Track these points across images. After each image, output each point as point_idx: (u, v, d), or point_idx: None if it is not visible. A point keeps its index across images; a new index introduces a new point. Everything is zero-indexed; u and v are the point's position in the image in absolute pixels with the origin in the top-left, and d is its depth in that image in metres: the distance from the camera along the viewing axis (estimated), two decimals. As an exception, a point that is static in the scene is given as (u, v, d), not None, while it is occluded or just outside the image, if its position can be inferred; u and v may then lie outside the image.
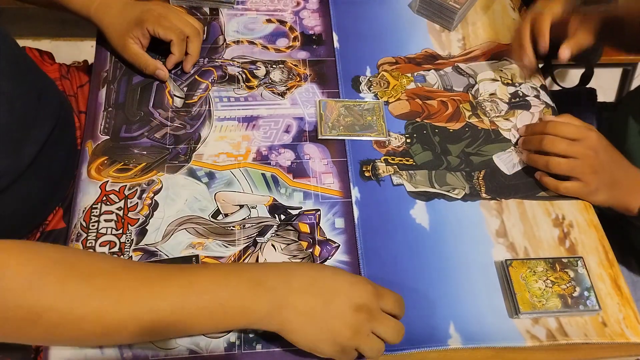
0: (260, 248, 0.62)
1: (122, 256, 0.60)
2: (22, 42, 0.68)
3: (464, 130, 0.74)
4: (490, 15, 0.88)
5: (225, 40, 0.81)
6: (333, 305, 0.50)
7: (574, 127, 0.66)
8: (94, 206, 0.64)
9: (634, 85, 1.40)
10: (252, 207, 0.65)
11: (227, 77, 0.77)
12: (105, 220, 0.63)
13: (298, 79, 0.78)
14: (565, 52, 0.70)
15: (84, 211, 0.63)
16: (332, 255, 0.62)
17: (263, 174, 0.68)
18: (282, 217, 0.65)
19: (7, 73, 0.61)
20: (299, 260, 0.62)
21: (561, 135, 0.66)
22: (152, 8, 0.72)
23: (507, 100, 0.78)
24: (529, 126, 0.73)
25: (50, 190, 0.55)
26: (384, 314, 0.52)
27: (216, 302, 0.49)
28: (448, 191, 0.68)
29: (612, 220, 0.70)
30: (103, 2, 0.74)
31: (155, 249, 0.61)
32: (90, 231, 0.62)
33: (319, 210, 0.66)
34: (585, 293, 0.59)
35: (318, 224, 0.64)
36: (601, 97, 0.99)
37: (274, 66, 0.79)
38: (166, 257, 0.61)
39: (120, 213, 0.63)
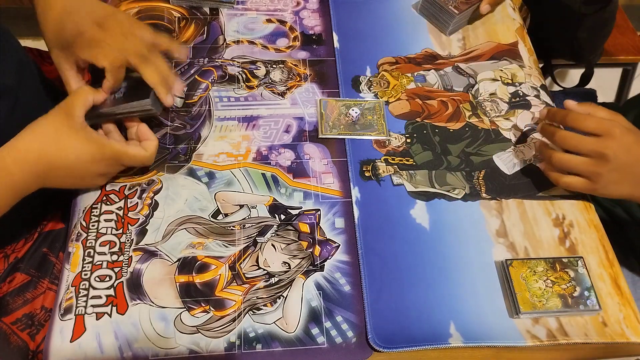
0: (260, 248, 0.62)
1: (121, 256, 0.60)
2: (22, 42, 0.68)
3: (464, 130, 0.74)
4: (490, 15, 0.88)
5: (225, 40, 0.81)
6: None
7: (595, 121, 0.60)
8: (94, 206, 0.64)
9: (634, 85, 1.40)
10: (252, 207, 0.65)
11: (227, 77, 0.77)
12: (105, 220, 0.63)
13: (298, 79, 0.78)
14: (484, 7, 0.78)
15: (84, 211, 0.63)
16: (332, 255, 0.62)
17: (263, 174, 0.68)
18: (282, 217, 0.65)
19: (11, 71, 0.61)
20: (299, 260, 0.62)
21: (581, 128, 0.61)
22: (84, 31, 0.59)
23: (507, 100, 0.78)
24: (550, 111, 0.67)
25: (49, 191, 0.55)
26: None
27: None
28: (448, 191, 0.68)
29: (612, 220, 0.70)
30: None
31: (155, 249, 0.61)
32: (90, 231, 0.62)
33: (319, 210, 0.66)
34: (586, 293, 0.59)
35: (318, 223, 0.64)
36: (601, 97, 0.99)
37: (274, 66, 0.79)
38: (167, 257, 0.61)
39: (120, 213, 0.63)
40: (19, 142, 0.54)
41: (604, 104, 0.96)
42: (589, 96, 0.95)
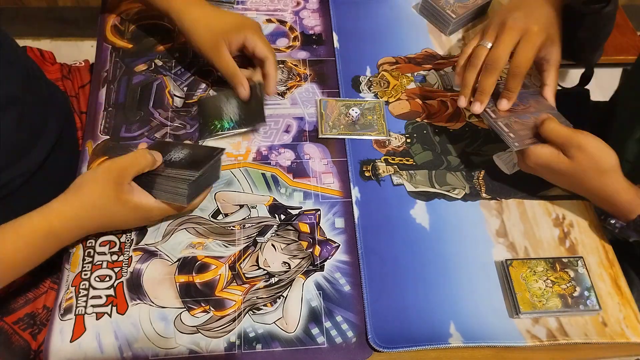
0: (260, 248, 0.62)
1: (121, 256, 0.60)
2: (22, 42, 0.68)
3: (464, 130, 0.74)
4: (490, 15, 0.88)
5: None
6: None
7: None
8: (94, 206, 0.64)
9: (634, 85, 1.40)
10: (252, 207, 0.65)
11: (227, 77, 0.77)
12: (105, 220, 0.63)
13: (298, 79, 0.78)
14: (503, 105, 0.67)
15: (84, 211, 0.63)
16: (332, 255, 0.62)
17: (263, 174, 0.68)
18: (282, 217, 0.65)
19: (17, 81, 0.61)
20: (299, 260, 0.62)
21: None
22: (250, 18, 0.69)
23: (507, 100, 0.78)
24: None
25: (56, 191, 0.55)
26: None
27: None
28: (448, 191, 0.68)
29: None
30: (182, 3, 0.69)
31: (155, 249, 0.61)
32: (90, 231, 0.62)
33: (319, 210, 0.66)
34: (586, 293, 0.59)
35: (318, 223, 0.64)
36: (601, 97, 0.99)
37: (274, 66, 0.79)
38: (167, 257, 0.61)
39: (120, 213, 0.63)
40: (66, 207, 0.54)
41: (598, 103, 0.96)
42: (581, 95, 0.95)
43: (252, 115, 0.70)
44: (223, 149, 0.62)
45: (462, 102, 0.66)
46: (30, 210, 0.54)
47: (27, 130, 0.62)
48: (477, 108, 0.65)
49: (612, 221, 0.62)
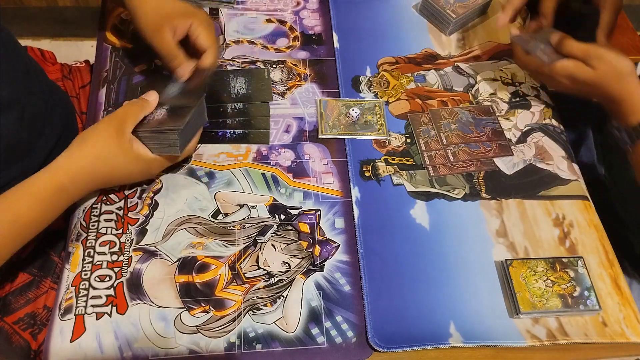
0: (260, 248, 0.62)
1: (121, 256, 0.60)
2: (22, 42, 0.68)
3: (464, 130, 0.74)
4: (490, 15, 0.88)
5: (225, 40, 0.81)
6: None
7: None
8: (93, 206, 0.64)
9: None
10: (252, 207, 0.65)
11: (227, 77, 0.77)
12: (105, 220, 0.63)
13: (298, 79, 0.78)
14: (601, 40, 0.77)
15: (84, 211, 0.63)
16: (332, 255, 0.62)
17: (263, 174, 0.68)
18: (282, 217, 0.65)
19: (18, 81, 0.61)
20: (299, 260, 0.62)
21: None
22: (199, 9, 0.68)
23: (507, 100, 0.78)
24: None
25: None
26: None
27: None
28: (448, 191, 0.68)
29: (611, 220, 0.70)
30: None
31: (155, 249, 0.61)
32: (90, 231, 0.62)
33: (319, 210, 0.66)
34: (586, 293, 0.59)
35: (318, 223, 0.64)
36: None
37: (274, 66, 0.79)
38: (167, 257, 0.61)
39: (120, 213, 0.63)
40: (72, 161, 0.57)
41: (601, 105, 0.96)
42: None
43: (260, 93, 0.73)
44: (204, 93, 0.64)
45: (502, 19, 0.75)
46: None
47: (28, 130, 0.62)
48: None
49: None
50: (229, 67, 0.78)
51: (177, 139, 0.60)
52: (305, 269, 0.61)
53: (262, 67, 0.77)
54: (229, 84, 0.75)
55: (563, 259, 0.62)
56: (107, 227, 0.62)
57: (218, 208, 0.65)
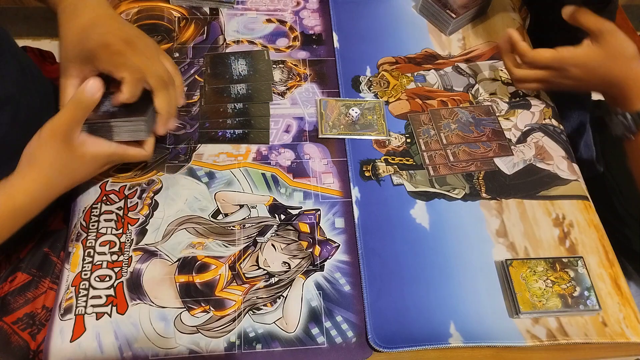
0: (260, 248, 0.62)
1: (121, 256, 0.60)
2: (22, 42, 0.68)
3: (464, 130, 0.74)
4: (490, 15, 0.88)
5: (225, 40, 0.81)
6: None
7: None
8: (93, 206, 0.64)
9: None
10: (252, 207, 0.65)
11: (227, 77, 0.77)
12: (105, 220, 0.63)
13: (298, 79, 0.78)
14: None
15: (83, 211, 0.63)
16: (332, 255, 0.62)
17: (263, 174, 0.68)
18: (282, 216, 0.65)
19: (13, 79, 0.61)
20: (299, 260, 0.62)
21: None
22: (111, 43, 0.57)
23: (507, 100, 0.78)
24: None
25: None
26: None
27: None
28: (448, 191, 0.68)
29: (611, 220, 0.70)
30: (72, 5, 0.60)
31: (155, 249, 0.61)
32: (90, 231, 0.62)
33: (319, 210, 0.66)
34: (586, 293, 0.59)
35: (318, 223, 0.64)
36: (600, 96, 0.99)
37: (274, 66, 0.79)
38: (167, 257, 0.61)
39: (120, 213, 0.63)
40: (27, 182, 0.54)
41: (600, 102, 0.96)
42: (583, 94, 0.95)
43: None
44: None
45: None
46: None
47: (25, 127, 0.61)
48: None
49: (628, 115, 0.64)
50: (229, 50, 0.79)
51: (145, 121, 0.58)
52: (305, 269, 0.61)
53: (262, 48, 0.78)
54: (230, 66, 0.76)
55: (563, 259, 0.62)
56: (107, 227, 0.62)
57: (218, 208, 0.65)
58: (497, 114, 0.76)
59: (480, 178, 0.70)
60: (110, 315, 0.57)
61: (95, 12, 0.60)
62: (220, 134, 0.71)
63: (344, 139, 0.72)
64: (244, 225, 0.64)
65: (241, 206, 0.65)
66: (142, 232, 0.62)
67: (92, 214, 0.63)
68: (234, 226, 0.63)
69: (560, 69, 0.68)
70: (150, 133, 0.61)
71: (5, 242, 0.54)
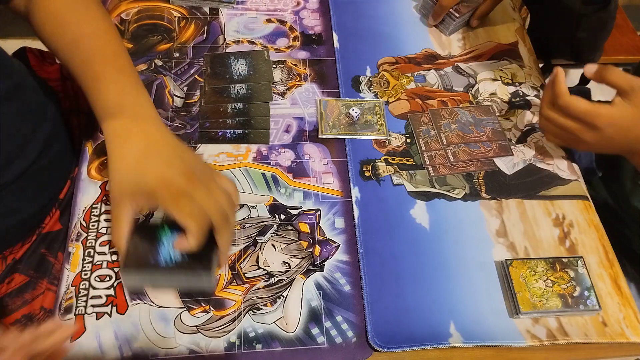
0: (260, 248, 0.62)
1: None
2: (22, 42, 0.68)
3: (464, 130, 0.74)
4: (490, 15, 0.88)
5: (225, 40, 0.81)
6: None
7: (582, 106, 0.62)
8: (94, 206, 0.64)
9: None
10: (252, 207, 0.65)
11: (227, 76, 0.77)
12: (105, 220, 0.63)
13: (298, 79, 0.78)
14: (474, 23, 0.83)
15: (84, 211, 0.63)
16: (332, 255, 0.62)
17: (263, 174, 0.68)
18: (282, 216, 0.65)
19: (6, 95, 0.59)
20: (299, 260, 0.62)
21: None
22: (172, 182, 0.50)
23: (508, 100, 0.78)
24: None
25: (44, 196, 0.53)
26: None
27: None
28: (448, 191, 0.68)
29: (611, 220, 0.70)
30: (123, 129, 0.54)
31: (155, 249, 0.61)
32: (90, 231, 0.62)
33: (319, 210, 0.66)
34: (586, 293, 0.59)
35: (318, 223, 0.64)
36: (601, 97, 0.99)
37: (274, 66, 0.79)
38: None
39: (120, 213, 0.63)
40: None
41: (599, 102, 0.97)
42: (583, 94, 0.95)
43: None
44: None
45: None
46: (18, 216, 0.52)
47: (7, 142, 0.59)
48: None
49: None
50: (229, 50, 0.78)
51: (210, 274, 0.50)
52: (305, 269, 0.61)
53: (262, 48, 0.79)
54: (230, 66, 0.76)
55: (563, 259, 0.62)
56: (107, 227, 0.62)
57: (218, 208, 0.64)
58: (497, 114, 0.76)
59: (480, 178, 0.70)
60: (110, 315, 0.57)
61: (148, 138, 0.53)
62: (220, 133, 0.71)
63: (344, 139, 0.72)
64: (244, 225, 0.64)
65: (241, 206, 0.65)
66: (142, 232, 0.62)
67: (92, 213, 0.63)
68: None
69: (590, 124, 0.62)
70: (213, 280, 0.54)
71: (1, 242, 0.53)
